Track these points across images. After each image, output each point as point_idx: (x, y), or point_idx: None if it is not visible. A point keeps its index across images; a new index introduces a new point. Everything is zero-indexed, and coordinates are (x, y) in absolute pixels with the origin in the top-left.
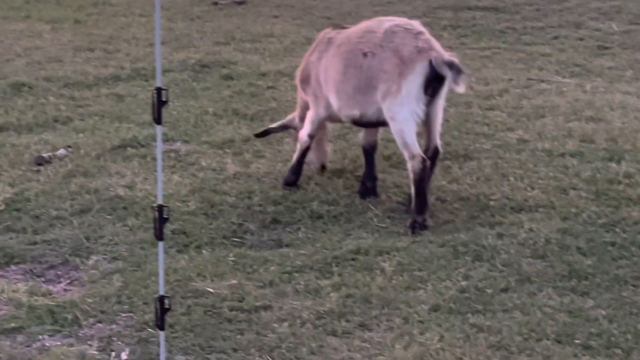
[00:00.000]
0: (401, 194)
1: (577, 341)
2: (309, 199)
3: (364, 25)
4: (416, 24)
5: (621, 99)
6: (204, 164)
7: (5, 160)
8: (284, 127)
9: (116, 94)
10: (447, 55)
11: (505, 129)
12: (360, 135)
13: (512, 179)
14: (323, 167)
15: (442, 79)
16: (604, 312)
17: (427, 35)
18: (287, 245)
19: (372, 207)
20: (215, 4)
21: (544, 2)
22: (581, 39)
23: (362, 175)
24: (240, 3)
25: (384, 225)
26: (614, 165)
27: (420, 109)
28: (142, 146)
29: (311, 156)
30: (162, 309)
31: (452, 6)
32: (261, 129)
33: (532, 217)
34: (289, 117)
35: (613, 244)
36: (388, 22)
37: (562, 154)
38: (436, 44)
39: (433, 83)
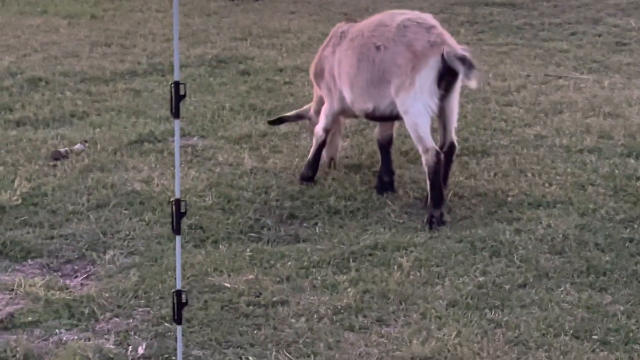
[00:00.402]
0: (419, 189)
1: (595, 337)
2: (326, 194)
3: (376, 18)
4: (429, 18)
5: (639, 95)
6: (220, 159)
7: (22, 155)
8: (299, 117)
9: (133, 89)
10: (460, 50)
11: (522, 125)
12: (376, 130)
13: (529, 174)
14: (332, 161)
15: (456, 73)
16: (622, 308)
17: (439, 29)
18: (304, 241)
19: (390, 203)
20: None
21: None
22: (599, 35)
23: (379, 170)
24: None
25: (401, 220)
26: (632, 161)
27: (434, 103)
28: (159, 141)
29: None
30: (179, 304)
31: (469, 2)
32: (275, 117)
33: (550, 213)
34: (305, 107)
35: (631, 240)
36: (400, 15)
37: (580, 150)
38: (449, 38)
39: (446, 77)
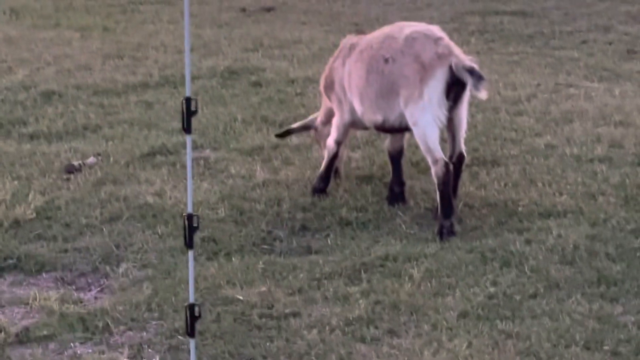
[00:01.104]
0: (429, 200)
1: (606, 347)
2: (338, 206)
3: (384, 31)
4: (436, 30)
5: None
6: (233, 171)
7: (36, 169)
8: (305, 127)
9: (145, 101)
10: (468, 61)
11: (533, 135)
12: (386, 141)
13: (540, 184)
14: (336, 172)
15: (464, 84)
16: (633, 319)
17: (446, 40)
18: (316, 252)
19: (401, 214)
20: (244, 10)
21: (573, 6)
22: (610, 43)
23: (390, 181)
24: (268, 9)
25: (412, 231)
26: None
27: (442, 114)
28: (171, 153)
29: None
30: (192, 317)
31: (480, 11)
32: (283, 129)
33: (561, 223)
34: (311, 117)
35: None
36: (408, 27)
37: (590, 159)
38: (456, 49)
39: (454, 88)
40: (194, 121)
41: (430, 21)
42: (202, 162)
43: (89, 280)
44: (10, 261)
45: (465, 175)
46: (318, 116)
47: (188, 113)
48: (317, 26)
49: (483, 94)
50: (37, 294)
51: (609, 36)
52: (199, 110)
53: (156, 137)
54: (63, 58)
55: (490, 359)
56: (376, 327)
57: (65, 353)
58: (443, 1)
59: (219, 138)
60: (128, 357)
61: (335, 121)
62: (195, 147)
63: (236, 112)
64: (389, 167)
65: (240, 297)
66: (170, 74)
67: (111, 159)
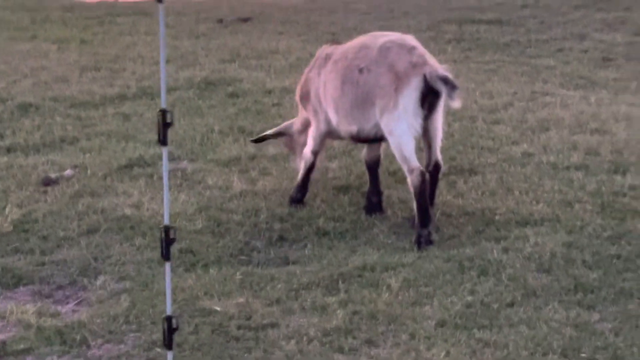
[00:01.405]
0: (407, 209)
1: (583, 355)
2: (315, 216)
3: (359, 41)
4: (410, 39)
5: (626, 111)
6: (210, 182)
7: (13, 181)
8: (281, 133)
9: (122, 113)
10: (442, 70)
11: (510, 143)
12: (363, 151)
13: (517, 192)
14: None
15: (438, 93)
16: (609, 326)
17: (421, 49)
18: (294, 263)
19: (378, 223)
20: (221, 21)
21: (548, 15)
22: (585, 51)
23: (367, 191)
24: (245, 20)
25: (389, 241)
26: (619, 177)
27: (417, 123)
28: (149, 165)
29: (298, 164)
30: (170, 329)
31: (456, 20)
32: (259, 135)
33: (538, 231)
34: (286, 123)
35: (619, 257)
36: (382, 37)
37: (567, 167)
38: (431, 58)
39: (429, 97)
40: (171, 133)
41: (407, 30)
42: (179, 173)
43: (67, 293)
44: None
45: (442, 184)
46: (294, 123)
47: (164, 125)
48: (294, 36)
49: (457, 103)
50: (14, 308)
51: (584, 44)
52: (176, 122)
53: (133, 149)
54: (40, 70)
55: None
56: (354, 337)
57: None
58: (419, 10)
59: (196, 149)
60: None
61: (311, 131)
62: (172, 158)
63: (213, 123)
64: (366, 177)
65: (218, 309)
66: (147, 85)
67: (88, 171)
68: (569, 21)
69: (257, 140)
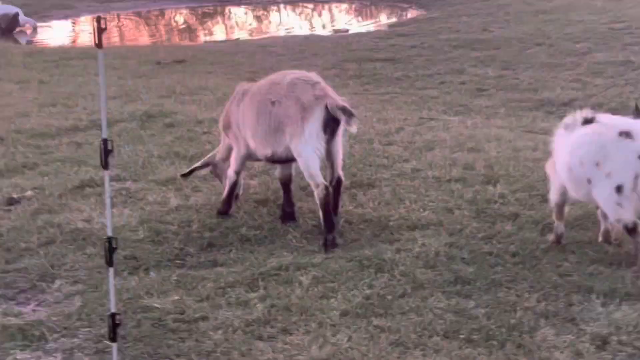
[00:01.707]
0: (315, 218)
1: (461, 336)
2: (239, 225)
3: (271, 78)
4: (313, 76)
5: (496, 133)
6: (150, 199)
7: None
8: (206, 165)
9: (76, 142)
10: (341, 101)
11: (401, 161)
12: (277, 170)
13: (407, 202)
14: (236, 197)
15: (338, 121)
16: (483, 311)
17: (322, 84)
18: (221, 265)
19: (292, 230)
20: (159, 63)
21: (432, 54)
22: (463, 83)
23: (282, 203)
24: (180, 62)
25: (301, 245)
26: (490, 188)
27: (321, 146)
28: (98, 186)
29: (224, 182)
30: (114, 324)
31: (357, 59)
32: (187, 170)
33: (425, 233)
34: (209, 155)
35: (490, 254)
36: (290, 75)
37: (448, 180)
38: (331, 92)
39: (330, 124)
40: (117, 158)
41: (316, 68)
42: (124, 192)
43: (28, 296)
44: None
45: (345, 196)
46: (217, 153)
47: (105, 152)
48: (221, 75)
49: (354, 128)
50: None
51: (462, 77)
52: (121, 149)
53: (85, 172)
54: (4, 107)
55: (367, 350)
56: (272, 327)
57: (7, 359)
58: (326, 51)
59: (139, 171)
60: None
61: (233, 154)
62: (118, 179)
63: (153, 149)
64: (281, 192)
65: (157, 305)
66: (97, 118)
67: (46, 191)
68: (449, 59)
69: (186, 175)
